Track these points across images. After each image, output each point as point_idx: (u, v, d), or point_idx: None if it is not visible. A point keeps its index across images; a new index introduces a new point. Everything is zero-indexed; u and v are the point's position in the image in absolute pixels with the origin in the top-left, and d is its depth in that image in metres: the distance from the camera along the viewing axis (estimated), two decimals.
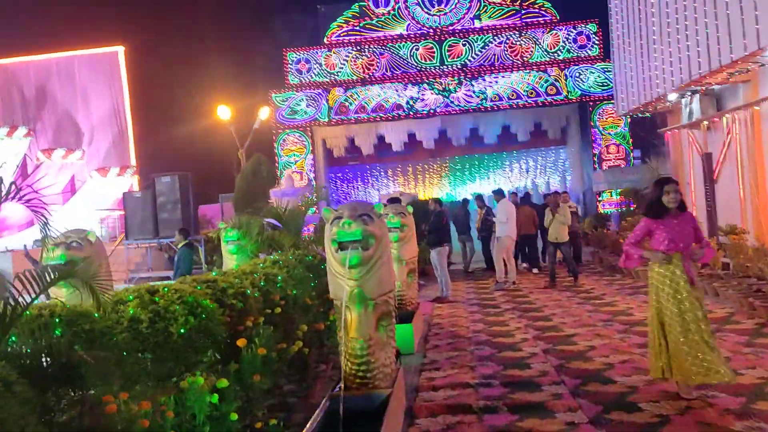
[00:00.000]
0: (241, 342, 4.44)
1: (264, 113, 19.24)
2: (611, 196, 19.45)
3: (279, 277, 5.96)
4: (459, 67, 21.05)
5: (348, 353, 4.32)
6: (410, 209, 7.98)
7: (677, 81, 12.00)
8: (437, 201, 11.84)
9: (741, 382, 4.84)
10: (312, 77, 21.35)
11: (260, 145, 20.08)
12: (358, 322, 4.27)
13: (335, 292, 4.43)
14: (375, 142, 21.59)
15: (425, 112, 21.11)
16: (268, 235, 8.56)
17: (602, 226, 16.39)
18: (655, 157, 17.10)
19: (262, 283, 5.54)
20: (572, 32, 20.95)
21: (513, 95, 20.91)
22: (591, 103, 20.75)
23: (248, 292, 5.07)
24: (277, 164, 21.03)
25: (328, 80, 21.30)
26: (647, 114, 15.14)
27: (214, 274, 5.44)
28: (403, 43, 21.17)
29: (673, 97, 12.99)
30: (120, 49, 19.28)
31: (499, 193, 11.85)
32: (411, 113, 21.12)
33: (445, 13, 21.17)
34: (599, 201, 19.76)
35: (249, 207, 13.85)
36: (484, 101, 20.97)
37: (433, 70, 21.11)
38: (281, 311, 5.48)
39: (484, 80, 20.92)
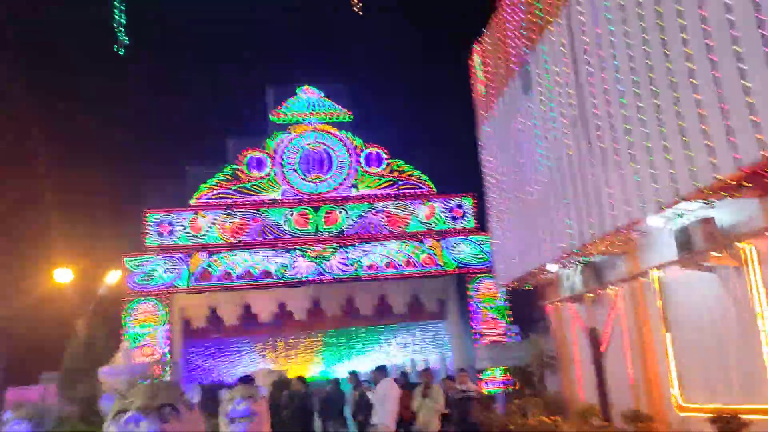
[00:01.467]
0: None
1: (113, 277, 17.09)
2: (494, 374, 18.47)
3: None
4: (335, 234, 20.29)
5: None
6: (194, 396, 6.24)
7: (557, 251, 11.62)
8: (301, 380, 10.10)
9: None
10: (173, 240, 19.65)
11: (106, 315, 17.65)
12: None
13: None
14: (240, 312, 19.74)
15: (297, 279, 19.77)
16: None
17: (487, 409, 15.08)
18: (535, 332, 16.51)
19: None
20: (448, 204, 21.10)
21: (389, 265, 20.21)
22: (468, 276, 20.41)
23: None
24: (123, 336, 18.43)
25: (191, 244, 19.66)
26: (527, 285, 14.68)
27: None
28: (277, 208, 20.28)
29: (553, 267, 12.58)
30: None
31: (381, 371, 10.33)
32: (282, 280, 19.69)
33: (322, 180, 20.76)
34: (481, 379, 18.65)
35: (78, 388, 11.60)
36: (360, 270, 20.07)
37: (307, 237, 20.17)
38: None
39: (359, 249, 20.18)
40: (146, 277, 19.13)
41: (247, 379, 9.55)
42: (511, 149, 13.76)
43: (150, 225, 19.62)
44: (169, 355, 18.46)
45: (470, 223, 21.04)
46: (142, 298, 18.98)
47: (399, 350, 24.21)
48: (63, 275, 15.97)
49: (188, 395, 3.35)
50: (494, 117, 14.87)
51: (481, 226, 20.67)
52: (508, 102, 13.90)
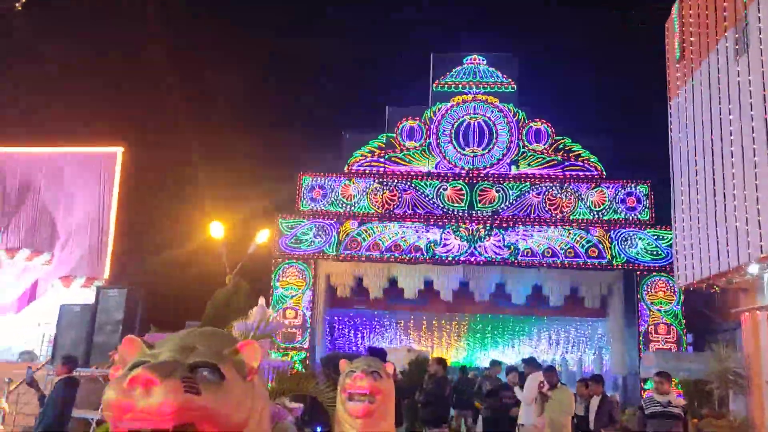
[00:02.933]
0: None
1: (262, 236, 17.13)
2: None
3: None
4: (489, 214, 19.00)
5: None
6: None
7: (761, 249, 9.54)
8: (440, 362, 9.05)
9: None
10: (325, 206, 19.47)
11: (255, 275, 17.83)
12: None
13: None
14: (386, 285, 19.13)
15: (447, 258, 18.78)
16: None
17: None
18: (716, 342, 14.18)
19: None
20: (620, 191, 18.96)
21: (548, 252, 18.58)
22: (638, 273, 18.23)
23: None
24: (270, 297, 18.58)
25: (342, 211, 19.37)
26: (715, 288, 12.53)
27: None
28: (431, 181, 19.37)
29: (754, 269, 10.46)
30: (118, 150, 17.82)
31: (531, 363, 9.02)
32: (430, 258, 18.80)
33: (479, 155, 19.53)
34: (644, 390, 16.55)
35: None
36: (515, 255, 18.64)
37: (460, 214, 19.08)
38: None
39: (516, 232, 18.73)
40: (296, 241, 19.15)
41: (375, 351, 8.68)
42: (710, 126, 11.66)
43: (304, 189, 19.58)
44: (309, 321, 18.35)
45: (645, 214, 18.76)
46: (291, 261, 19.01)
47: (549, 346, 22.47)
48: (217, 229, 16.19)
49: None
50: (691, 87, 12.74)
51: (658, 218, 18.38)
52: (711, 69, 11.76)
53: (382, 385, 3.94)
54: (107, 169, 17.85)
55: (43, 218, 17.76)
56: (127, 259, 17.05)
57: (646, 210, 18.79)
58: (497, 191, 19.21)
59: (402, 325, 21.83)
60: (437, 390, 8.36)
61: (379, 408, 3.91)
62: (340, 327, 20.93)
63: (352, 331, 20.88)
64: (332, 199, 19.57)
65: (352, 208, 19.43)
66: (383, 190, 19.43)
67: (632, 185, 18.99)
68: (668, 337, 17.66)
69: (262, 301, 10.79)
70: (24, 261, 16.80)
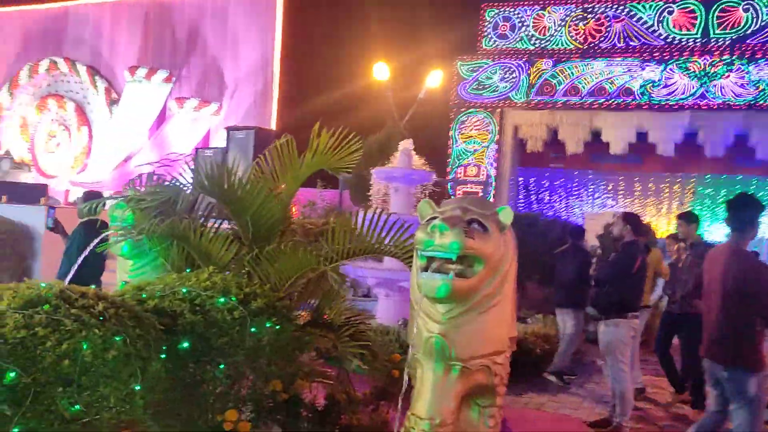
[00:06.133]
0: None
1: (434, 79, 14.85)
2: None
3: None
4: (731, 41, 14.56)
5: None
6: (508, 218, 3.00)
7: None
8: (630, 220, 6.24)
9: None
10: (513, 43, 16.40)
11: (428, 124, 15.77)
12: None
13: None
14: (587, 137, 15.94)
15: (668, 102, 14.96)
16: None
17: None
18: None
19: None
20: None
21: None
22: None
23: None
24: (449, 152, 16.49)
25: (534, 48, 16.18)
26: None
27: None
28: (651, 2, 15.23)
29: None
30: None
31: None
32: (645, 102, 15.12)
33: None
34: None
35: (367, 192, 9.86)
36: (764, 96, 14.24)
37: (690, 44, 14.88)
38: None
39: None
40: (479, 86, 16.55)
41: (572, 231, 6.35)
42: None
43: (487, 23, 16.61)
44: (494, 179, 16.04)
45: None
46: (473, 110, 16.55)
47: None
48: (381, 71, 14.21)
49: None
50: None
51: None
52: None
53: (486, 246, 2.83)
54: (270, 12, 16.52)
55: (211, 67, 17.20)
56: (293, 105, 15.92)
57: None
58: (745, 10, 14.55)
59: (609, 187, 18.56)
60: (622, 261, 5.78)
61: (480, 288, 2.85)
62: (532, 188, 18.30)
63: (544, 193, 18.16)
64: (522, 34, 16.43)
65: (547, 44, 16.17)
66: (586, 18, 15.75)
67: None
68: None
69: (404, 144, 8.67)
70: (192, 111, 16.49)
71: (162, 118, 17.04)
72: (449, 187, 15.71)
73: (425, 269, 2.91)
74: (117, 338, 2.69)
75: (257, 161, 4.36)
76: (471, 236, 2.80)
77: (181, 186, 4.14)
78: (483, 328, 2.96)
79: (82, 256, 4.10)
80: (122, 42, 18.48)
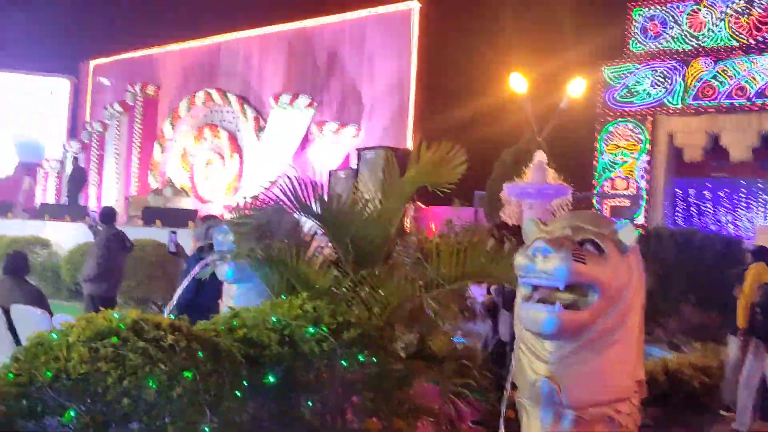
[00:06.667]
0: None
1: (577, 88, 13.99)
2: None
3: None
4: None
5: None
6: (629, 237, 2.50)
7: None
8: None
9: None
10: (666, 43, 15.10)
11: (570, 135, 14.91)
12: None
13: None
14: (756, 143, 14.21)
15: None
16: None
17: None
18: None
19: None
20: None
21: None
22: None
23: None
24: (595, 165, 15.46)
25: (690, 48, 14.79)
26: None
27: None
28: None
29: None
30: (415, 6, 16.17)
31: None
32: None
33: None
34: None
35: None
36: None
37: None
38: None
39: None
40: (627, 93, 15.42)
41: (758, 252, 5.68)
42: None
43: (635, 24, 15.45)
44: (645, 192, 14.77)
45: None
46: (621, 120, 15.42)
47: None
48: (518, 82, 13.61)
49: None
50: None
51: None
52: None
53: (601, 271, 2.40)
54: (405, 29, 16.50)
55: (349, 90, 17.47)
56: (429, 120, 15.69)
57: None
58: None
59: None
60: None
61: (596, 322, 2.40)
62: (692, 200, 16.62)
63: (707, 205, 16.38)
64: (676, 32, 15.07)
65: (705, 41, 14.68)
66: (750, 10, 14.13)
67: None
68: None
69: (538, 157, 8.09)
70: (332, 134, 16.80)
71: (305, 142, 17.56)
72: (594, 201, 14.70)
73: (528, 299, 2.52)
74: (186, 373, 2.52)
75: (358, 180, 4.13)
76: (582, 260, 2.38)
77: (282, 208, 3.98)
78: (601, 370, 2.50)
79: (185, 281, 4.06)
80: (268, 71, 19.36)
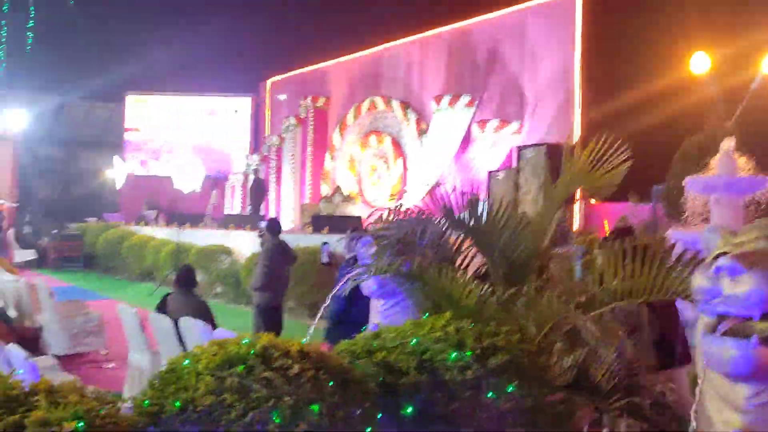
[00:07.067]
0: None
1: None
2: None
3: None
4: None
5: None
6: None
7: None
8: None
9: None
10: None
11: (766, 119, 13.11)
12: None
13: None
14: None
15: None
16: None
17: None
18: None
19: None
20: None
21: None
22: None
23: None
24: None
25: None
26: None
27: None
28: None
29: None
30: None
31: None
32: None
33: None
34: None
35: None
36: None
37: None
38: None
39: None
40: None
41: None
42: None
43: None
44: None
45: None
46: None
47: None
48: (700, 63, 12.20)
49: None
50: None
51: None
52: None
53: None
54: (569, 17, 15.54)
55: (510, 86, 16.80)
56: (597, 110, 14.60)
57: None
58: None
59: None
60: None
61: None
62: None
63: None
64: None
65: None
66: None
67: None
68: None
69: (725, 145, 7.08)
70: (492, 132, 16.26)
71: (467, 142, 17.24)
72: None
73: (712, 330, 2.05)
74: (313, 407, 2.35)
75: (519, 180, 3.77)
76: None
77: (426, 218, 3.74)
78: None
79: (333, 293, 3.95)
80: (429, 74, 19.30)
